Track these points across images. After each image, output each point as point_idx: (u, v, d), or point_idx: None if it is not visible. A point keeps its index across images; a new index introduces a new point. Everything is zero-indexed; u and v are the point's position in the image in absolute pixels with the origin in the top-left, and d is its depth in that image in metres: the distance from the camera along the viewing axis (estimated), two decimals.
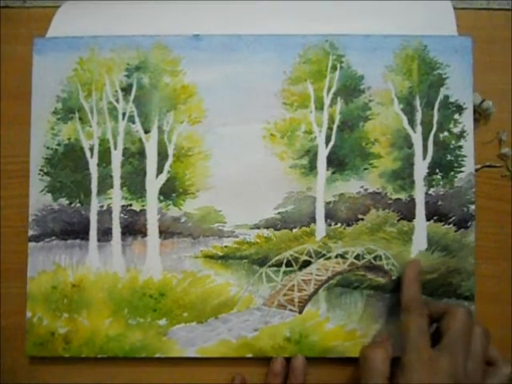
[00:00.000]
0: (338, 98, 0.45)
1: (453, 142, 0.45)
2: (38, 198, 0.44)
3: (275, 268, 0.44)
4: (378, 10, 0.46)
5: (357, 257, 0.44)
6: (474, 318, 0.39)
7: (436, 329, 0.40)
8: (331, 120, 0.45)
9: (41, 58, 0.45)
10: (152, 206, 0.45)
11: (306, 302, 0.44)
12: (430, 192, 0.45)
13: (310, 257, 0.44)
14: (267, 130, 0.45)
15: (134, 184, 0.45)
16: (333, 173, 0.45)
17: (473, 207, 0.44)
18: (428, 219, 0.44)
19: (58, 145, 0.45)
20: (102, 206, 0.45)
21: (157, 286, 0.44)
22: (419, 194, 0.45)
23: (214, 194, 0.45)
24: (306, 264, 0.44)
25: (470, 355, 0.37)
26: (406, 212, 0.45)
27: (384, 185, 0.45)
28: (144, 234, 0.45)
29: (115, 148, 0.45)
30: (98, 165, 0.45)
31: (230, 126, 0.45)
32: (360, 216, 0.45)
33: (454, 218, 0.44)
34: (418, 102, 0.45)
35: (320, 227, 0.45)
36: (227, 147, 0.45)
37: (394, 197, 0.45)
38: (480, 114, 0.46)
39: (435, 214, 0.44)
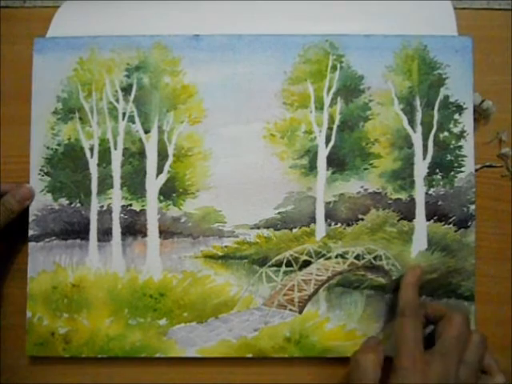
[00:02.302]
0: (338, 98, 0.45)
1: (453, 142, 0.45)
2: (38, 198, 0.44)
3: (275, 268, 0.44)
4: (378, 9, 0.46)
5: (357, 257, 0.44)
6: (470, 325, 0.39)
7: (432, 331, 0.40)
8: (331, 120, 0.45)
9: (41, 58, 0.45)
10: (152, 206, 0.45)
11: (306, 301, 0.44)
12: (430, 192, 0.45)
13: (310, 257, 0.44)
14: (267, 130, 0.45)
15: (134, 184, 0.45)
16: (333, 173, 0.45)
17: (473, 207, 0.44)
18: (428, 219, 0.44)
19: (58, 145, 0.45)
20: (102, 206, 0.45)
21: (157, 286, 0.44)
22: (419, 194, 0.45)
23: (214, 194, 0.45)
24: (306, 264, 0.44)
25: (463, 362, 0.37)
26: (406, 212, 0.45)
27: (384, 185, 0.45)
28: (144, 234, 0.45)
29: (115, 148, 0.45)
30: (98, 165, 0.45)
31: (230, 125, 0.45)
32: (360, 216, 0.45)
33: (454, 217, 0.44)
34: (418, 102, 0.45)
35: (320, 227, 0.45)
36: (227, 147, 0.45)
37: (394, 197, 0.45)
38: (480, 114, 0.46)
39: (435, 214, 0.44)
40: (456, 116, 0.45)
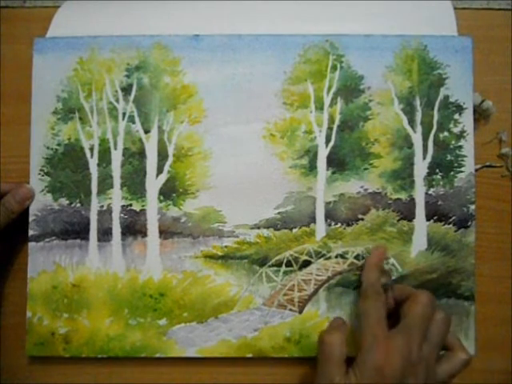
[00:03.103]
0: (338, 98, 0.45)
1: (453, 142, 0.45)
2: (38, 198, 0.44)
3: (275, 268, 0.44)
4: (378, 9, 0.46)
5: (357, 257, 0.44)
6: (435, 304, 0.39)
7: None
8: (331, 120, 0.45)
9: (41, 58, 0.45)
10: (152, 206, 0.45)
11: (306, 301, 0.44)
12: (430, 192, 0.45)
13: (310, 257, 0.44)
14: (267, 130, 0.45)
15: (134, 184, 0.45)
16: (333, 173, 0.45)
17: (473, 207, 0.44)
18: (428, 219, 0.44)
19: (58, 145, 0.45)
20: (102, 206, 0.45)
21: (157, 286, 0.44)
22: (419, 194, 0.45)
23: (214, 194, 0.45)
24: (306, 264, 0.44)
25: (426, 339, 0.38)
26: (406, 212, 0.45)
27: (384, 185, 0.45)
28: (144, 234, 0.45)
29: (115, 148, 0.45)
30: (98, 165, 0.45)
31: (230, 125, 0.45)
32: (360, 216, 0.45)
33: (454, 217, 0.44)
34: (417, 102, 0.45)
35: (320, 227, 0.45)
36: (227, 147, 0.45)
37: (394, 197, 0.45)
38: (480, 114, 0.46)
39: (435, 213, 0.44)
40: (456, 116, 0.45)
